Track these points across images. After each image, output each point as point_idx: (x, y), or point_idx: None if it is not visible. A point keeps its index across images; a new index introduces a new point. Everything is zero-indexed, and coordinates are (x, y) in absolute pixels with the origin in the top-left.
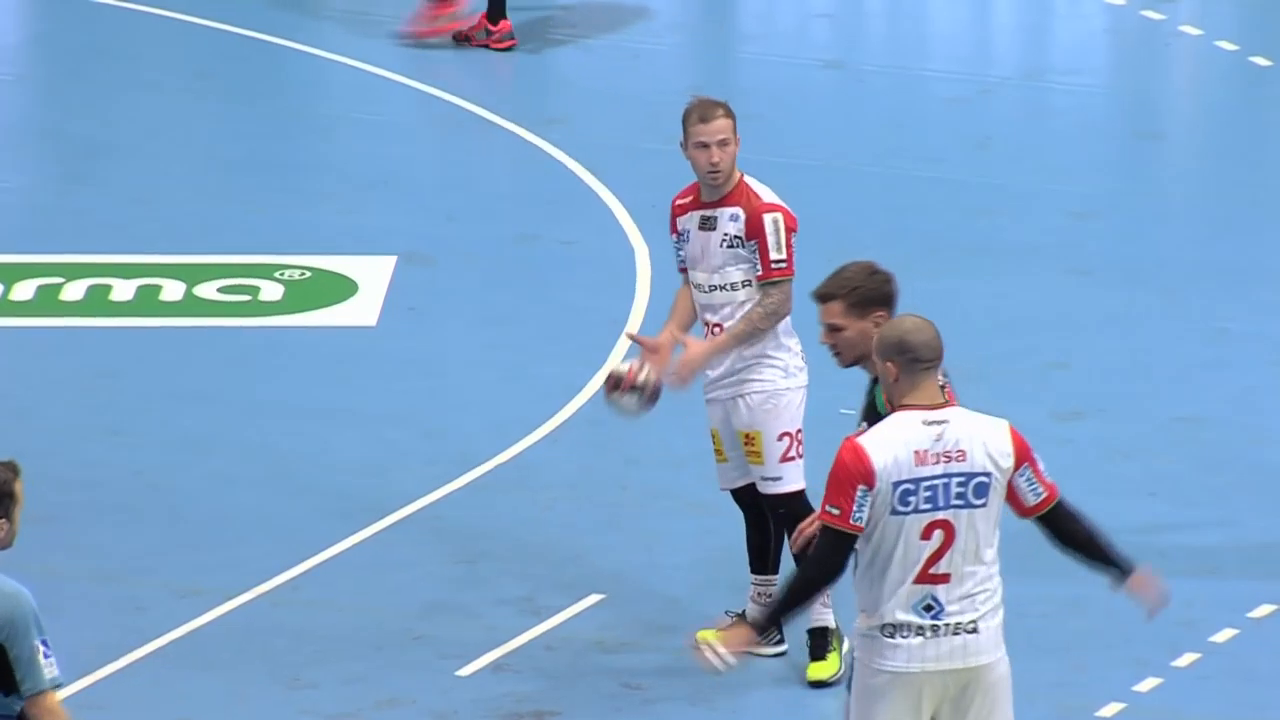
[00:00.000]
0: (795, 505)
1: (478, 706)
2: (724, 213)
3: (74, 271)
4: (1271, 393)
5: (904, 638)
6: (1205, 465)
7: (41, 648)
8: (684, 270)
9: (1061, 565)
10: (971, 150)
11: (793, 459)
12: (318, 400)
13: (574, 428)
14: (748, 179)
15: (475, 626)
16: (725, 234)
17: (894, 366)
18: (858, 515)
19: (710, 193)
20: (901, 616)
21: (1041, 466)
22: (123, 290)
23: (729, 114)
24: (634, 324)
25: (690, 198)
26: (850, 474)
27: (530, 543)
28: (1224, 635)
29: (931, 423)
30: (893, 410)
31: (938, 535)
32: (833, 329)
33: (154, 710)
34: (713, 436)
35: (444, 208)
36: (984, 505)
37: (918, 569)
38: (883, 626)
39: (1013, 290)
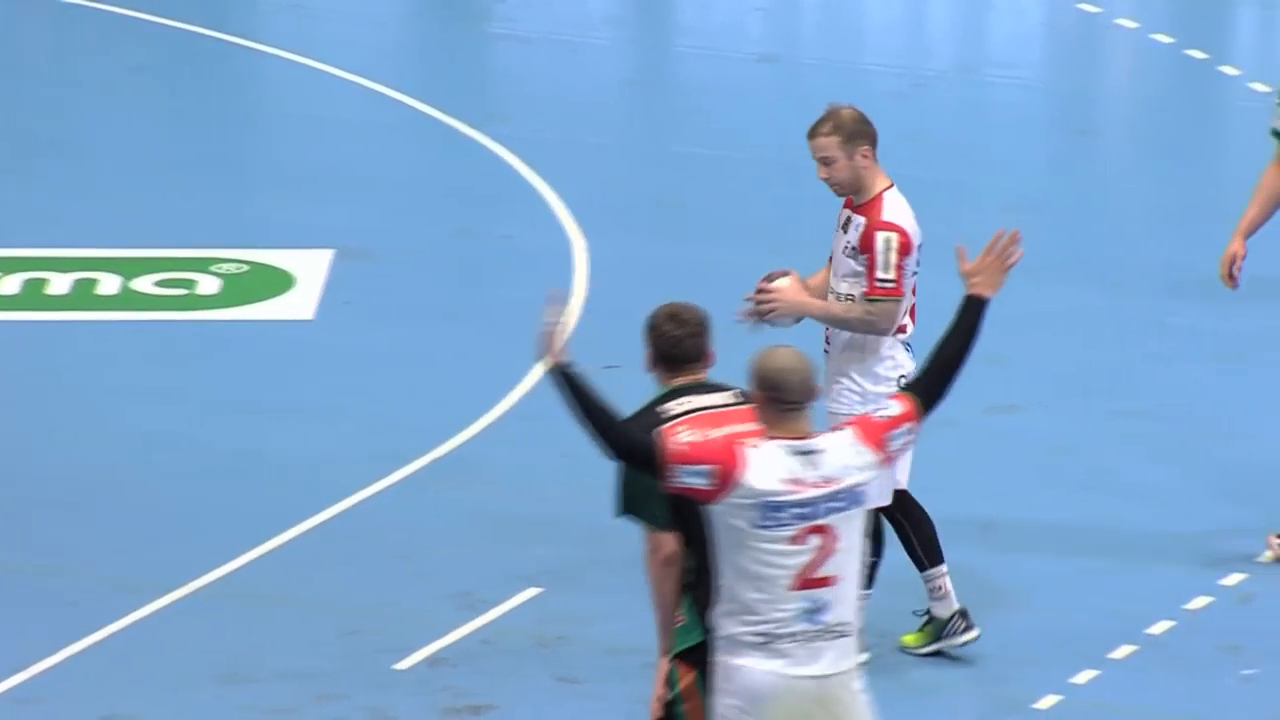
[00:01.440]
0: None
1: (415, 701)
2: (857, 219)
3: (9, 265)
4: (1209, 387)
5: (780, 643)
6: (1142, 460)
7: None
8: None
9: (996, 557)
10: (906, 144)
11: None
12: (255, 394)
13: (511, 422)
14: (890, 193)
15: (413, 621)
16: (848, 241)
17: (760, 398)
18: (685, 472)
19: (853, 198)
20: (780, 627)
21: (885, 414)
22: (59, 284)
23: (833, 131)
24: (572, 319)
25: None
26: (711, 452)
27: (468, 536)
28: (1160, 627)
29: (803, 452)
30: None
31: (814, 540)
32: None
33: (92, 705)
34: None
35: (382, 202)
36: (861, 503)
37: (795, 575)
38: (760, 634)
39: (948, 285)
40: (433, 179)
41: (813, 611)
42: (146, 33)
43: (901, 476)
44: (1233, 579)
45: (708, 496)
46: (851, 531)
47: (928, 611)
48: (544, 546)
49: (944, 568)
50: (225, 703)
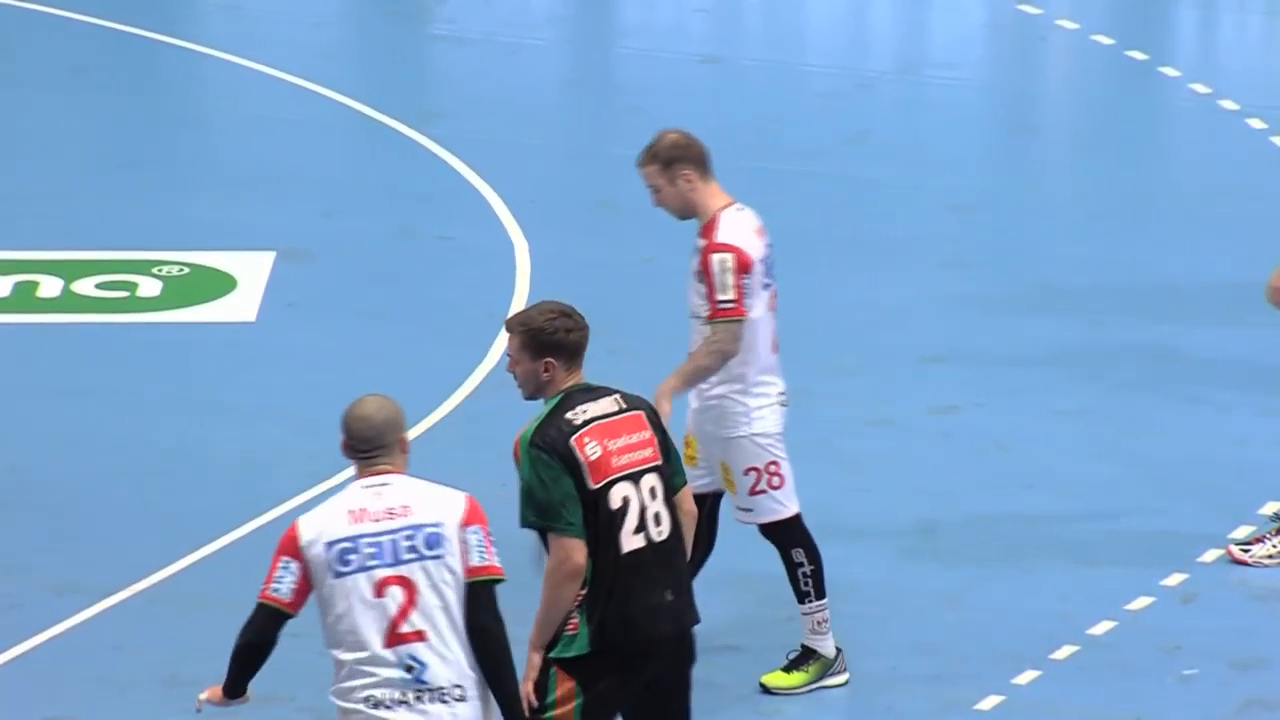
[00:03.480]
0: (778, 534)
1: None
2: (697, 244)
3: None
4: (1148, 386)
5: (388, 709)
6: (1082, 458)
7: None
8: None
9: (937, 557)
10: (849, 145)
11: (762, 492)
12: (197, 396)
13: (453, 424)
14: (725, 214)
15: None
16: (693, 268)
17: (344, 443)
18: (275, 587)
19: (698, 221)
20: (384, 687)
21: (493, 544)
22: None
23: (650, 161)
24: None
25: None
26: (278, 547)
27: None
28: (1101, 628)
29: (371, 486)
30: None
31: (393, 591)
32: (511, 361)
33: (32, 708)
34: (688, 440)
35: (322, 203)
36: (440, 556)
37: (385, 630)
38: (366, 698)
39: (890, 284)
40: (374, 180)
41: (410, 669)
42: (86, 34)
43: (773, 507)
44: (1174, 579)
45: (308, 577)
46: (435, 587)
47: (808, 651)
48: None
49: (827, 600)
50: (166, 705)
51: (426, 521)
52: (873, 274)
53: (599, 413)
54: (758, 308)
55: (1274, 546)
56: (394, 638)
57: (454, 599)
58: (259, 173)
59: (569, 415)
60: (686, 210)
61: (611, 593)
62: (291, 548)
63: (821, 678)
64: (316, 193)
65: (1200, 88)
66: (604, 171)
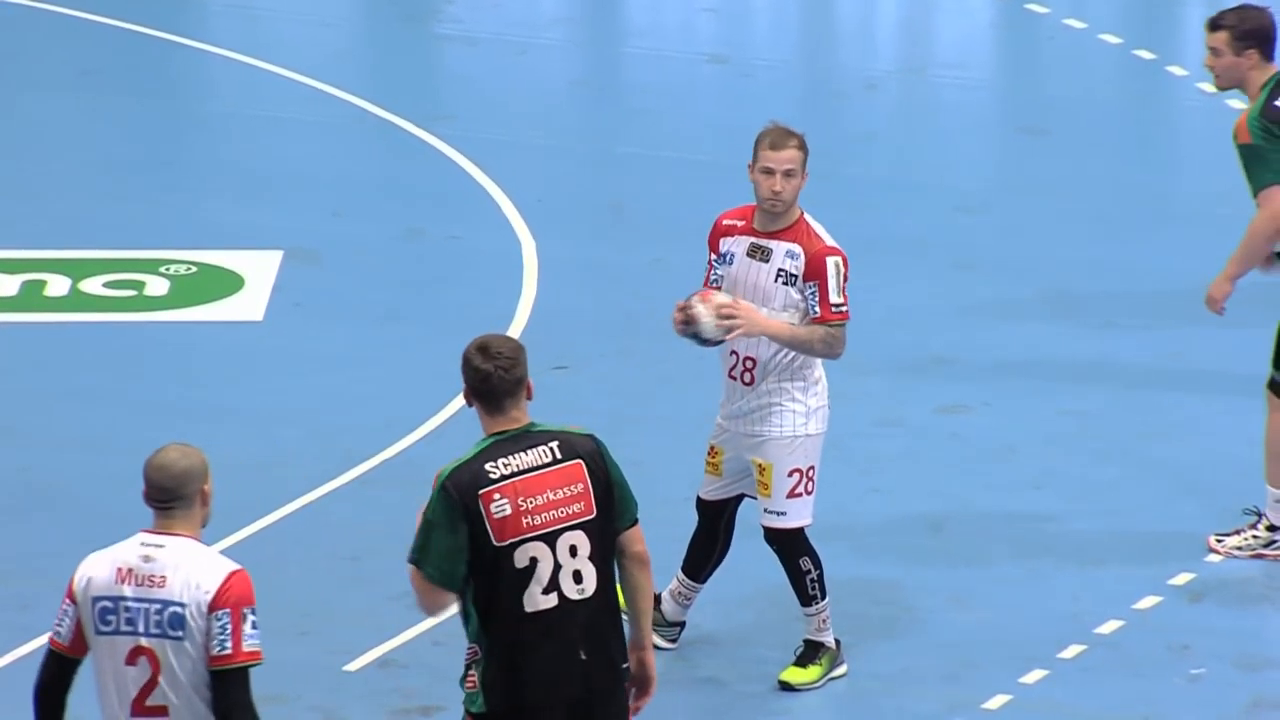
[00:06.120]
0: (791, 541)
1: (365, 702)
2: (780, 246)
3: None
4: (1156, 387)
5: None
6: (1090, 459)
7: None
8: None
9: (945, 557)
10: (856, 145)
11: (799, 495)
12: (203, 396)
13: (459, 424)
14: (808, 217)
15: (362, 622)
16: (781, 269)
17: (144, 495)
18: (57, 629)
19: (767, 222)
20: None
21: (245, 626)
22: (7, 285)
23: (802, 147)
24: (520, 320)
25: (743, 221)
26: (67, 587)
27: None
28: (1109, 627)
29: (148, 545)
30: None
31: (143, 662)
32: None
33: None
34: (712, 449)
35: (331, 203)
36: (180, 639)
37: (131, 699)
38: None
39: (899, 285)
40: (381, 180)
41: None
42: (95, 34)
43: (805, 513)
44: (1181, 578)
45: (82, 622)
46: (175, 668)
47: (815, 645)
48: None
49: (829, 599)
50: None
51: (173, 600)
52: (880, 274)
53: (523, 466)
54: None
55: (1245, 538)
56: (139, 708)
57: (194, 683)
58: (266, 172)
59: (488, 466)
60: (790, 208)
61: (507, 652)
62: (70, 590)
63: (831, 669)
64: (324, 193)
65: (1208, 87)
66: (612, 172)
